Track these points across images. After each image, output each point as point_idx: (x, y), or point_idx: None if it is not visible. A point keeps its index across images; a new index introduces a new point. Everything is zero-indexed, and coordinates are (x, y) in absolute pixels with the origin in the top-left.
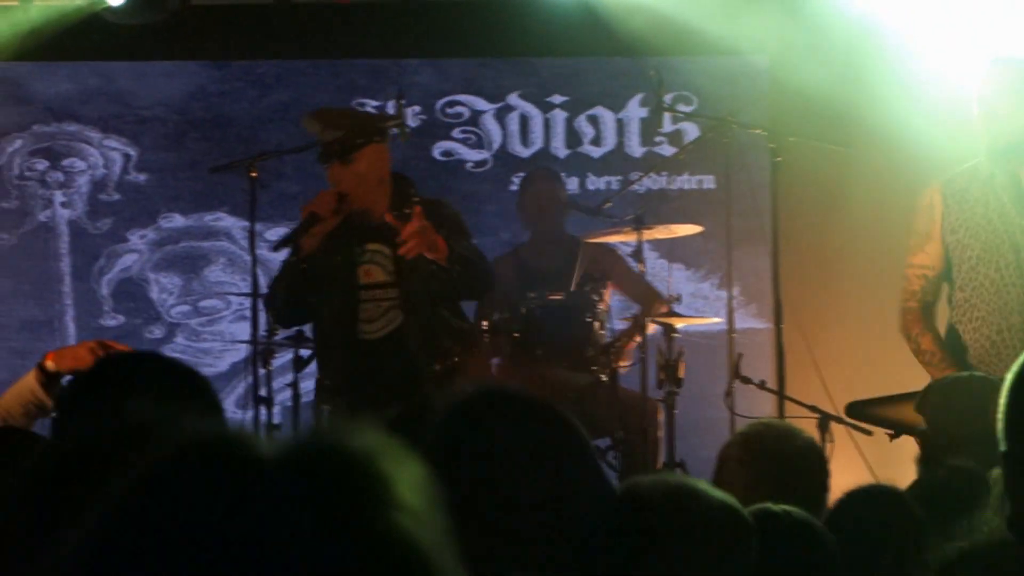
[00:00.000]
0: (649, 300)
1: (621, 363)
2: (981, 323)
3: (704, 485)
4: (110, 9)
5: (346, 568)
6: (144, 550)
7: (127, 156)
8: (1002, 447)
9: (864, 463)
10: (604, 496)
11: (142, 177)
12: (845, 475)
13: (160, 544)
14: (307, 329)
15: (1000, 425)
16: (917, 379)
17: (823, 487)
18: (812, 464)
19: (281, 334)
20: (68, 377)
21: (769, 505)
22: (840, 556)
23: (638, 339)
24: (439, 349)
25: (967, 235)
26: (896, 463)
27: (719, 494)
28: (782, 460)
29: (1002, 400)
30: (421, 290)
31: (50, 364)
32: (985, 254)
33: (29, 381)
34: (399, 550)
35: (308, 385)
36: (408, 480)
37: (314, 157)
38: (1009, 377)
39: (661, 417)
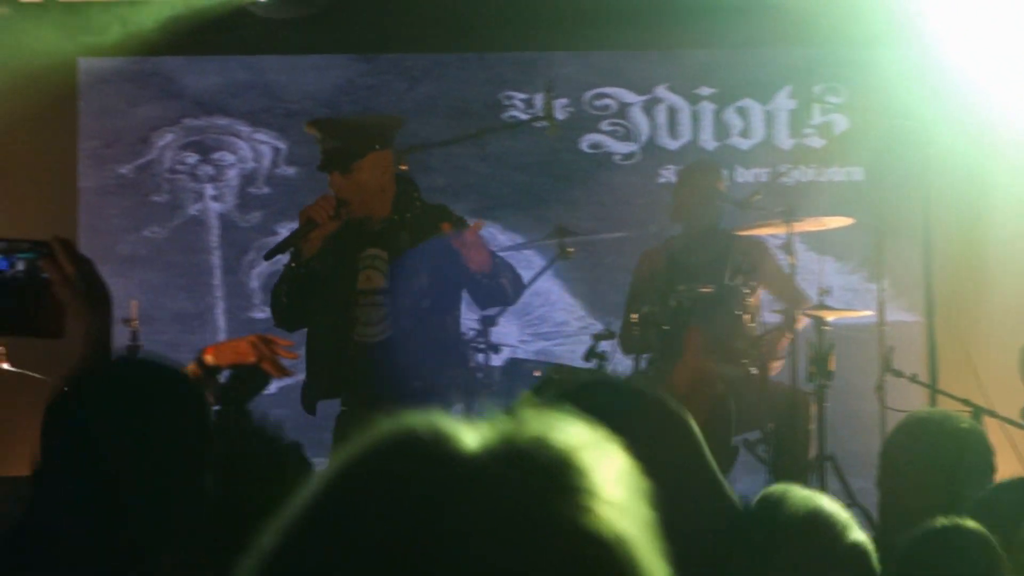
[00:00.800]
0: (795, 302)
1: (773, 363)
2: None
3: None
4: (257, 4)
5: (548, 563)
6: (345, 543)
7: (276, 150)
8: None
9: (1018, 459)
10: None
11: (291, 170)
12: (1003, 467)
13: (361, 538)
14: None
15: None
16: None
17: (990, 469)
18: (979, 446)
19: None
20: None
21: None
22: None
23: (789, 336)
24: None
25: None
26: None
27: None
28: (949, 446)
29: None
30: (418, 296)
31: (209, 358)
32: None
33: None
34: (602, 548)
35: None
36: (612, 472)
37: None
38: None
39: (812, 410)
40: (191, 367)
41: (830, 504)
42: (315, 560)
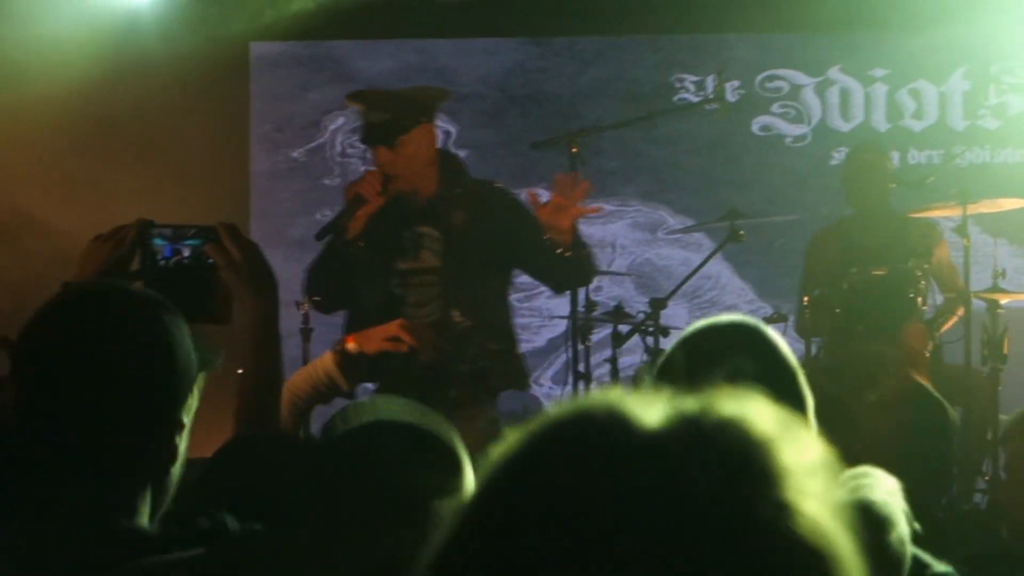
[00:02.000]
0: (954, 289)
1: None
2: None
3: None
4: None
5: (728, 559)
6: (523, 524)
7: (447, 133)
8: None
9: None
10: None
11: (462, 153)
12: None
13: (537, 518)
14: (628, 303)
15: None
16: None
17: None
18: None
19: (598, 311)
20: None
21: None
22: None
23: (956, 318)
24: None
25: None
26: None
27: None
28: None
29: None
30: (472, 276)
31: (351, 346)
32: None
33: (325, 362)
34: (799, 550)
35: (627, 360)
36: (812, 464)
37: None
38: None
39: (988, 392)
40: (330, 355)
41: (879, 499)
42: (498, 537)
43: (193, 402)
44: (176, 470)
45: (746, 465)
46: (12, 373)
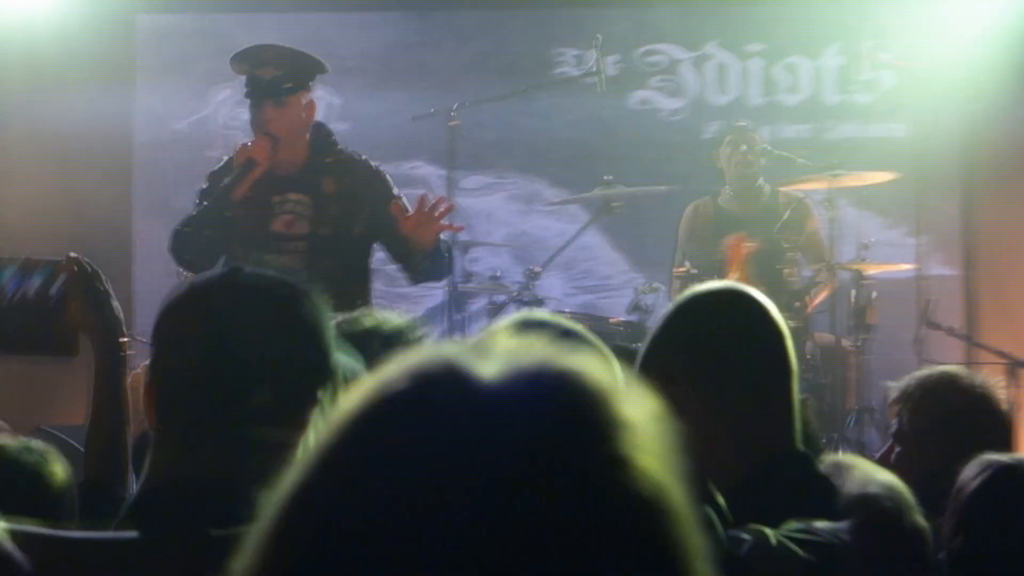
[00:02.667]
0: (819, 262)
1: (810, 308)
2: None
3: None
4: None
5: (562, 508)
6: (368, 471)
7: (331, 105)
8: None
9: None
10: None
11: (344, 126)
12: None
13: (385, 466)
14: (505, 273)
15: None
16: None
17: (1005, 440)
18: (985, 414)
19: (475, 281)
20: None
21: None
22: None
23: (828, 290)
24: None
25: None
26: None
27: None
28: (952, 411)
29: None
30: (339, 243)
31: None
32: None
33: None
34: (622, 496)
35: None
36: (643, 413)
37: (251, 94)
38: None
39: (853, 362)
40: None
41: (895, 484)
42: (341, 491)
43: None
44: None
45: (580, 417)
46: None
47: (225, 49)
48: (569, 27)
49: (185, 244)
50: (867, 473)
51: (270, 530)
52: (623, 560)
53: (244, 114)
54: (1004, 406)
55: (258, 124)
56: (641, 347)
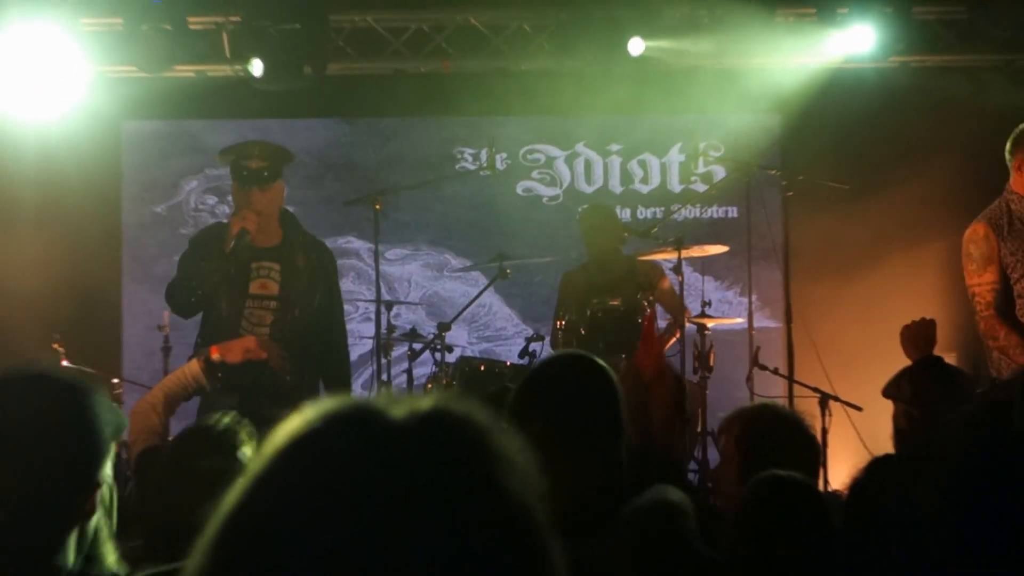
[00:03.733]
0: (679, 312)
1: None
2: None
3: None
4: (253, 78)
5: (475, 518)
6: (293, 505)
7: None
8: None
9: (855, 431)
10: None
11: (291, 208)
12: (840, 440)
13: (307, 499)
14: (421, 326)
15: None
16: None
17: (813, 459)
18: (798, 441)
19: (397, 332)
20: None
21: (776, 471)
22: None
23: (677, 336)
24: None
25: (1019, 256)
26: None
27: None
28: (769, 439)
29: None
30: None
31: (216, 356)
32: None
33: (192, 368)
34: (519, 504)
35: (420, 370)
36: (514, 447)
37: (239, 180)
38: None
39: (699, 395)
40: (196, 362)
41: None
42: (265, 521)
43: (108, 463)
44: (94, 520)
45: (476, 445)
46: None
47: (193, 148)
48: (468, 131)
49: (179, 295)
50: (659, 492)
51: (211, 541)
52: (498, 560)
53: (210, 200)
54: (811, 430)
55: (245, 204)
56: (512, 393)
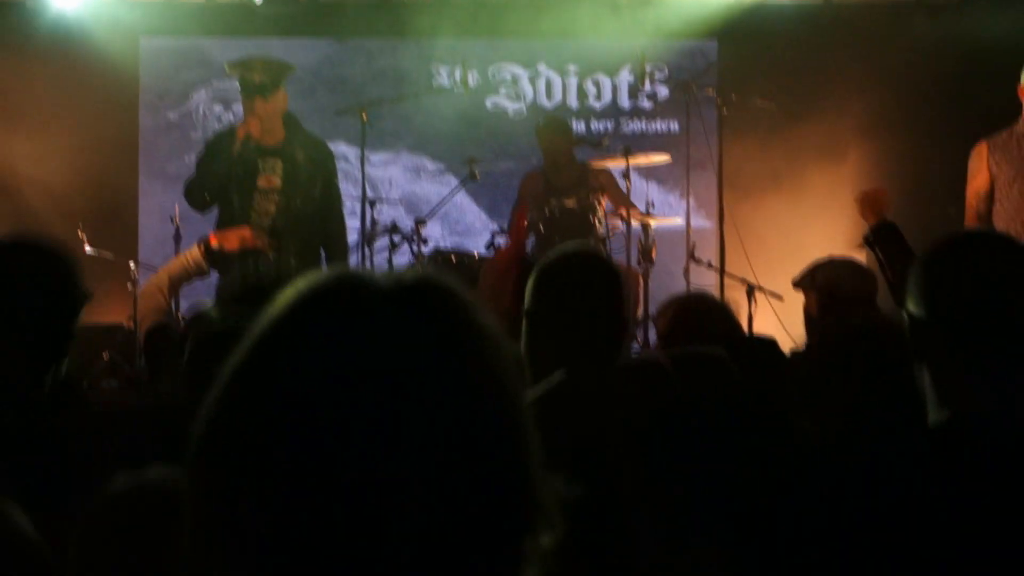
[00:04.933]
0: (627, 207)
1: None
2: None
3: None
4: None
5: (459, 387)
6: (281, 380)
7: None
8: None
9: (777, 318)
10: None
11: None
12: (764, 326)
13: (296, 373)
14: (400, 221)
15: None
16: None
17: (732, 331)
18: (715, 316)
19: (380, 226)
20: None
21: (690, 348)
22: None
23: (619, 226)
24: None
25: (1004, 166)
26: (799, 317)
27: None
28: (694, 315)
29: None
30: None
31: (215, 243)
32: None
33: (193, 253)
34: (500, 372)
35: (399, 260)
36: (491, 319)
37: (245, 91)
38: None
39: (640, 284)
40: (196, 248)
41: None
42: (264, 392)
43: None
44: (64, 363)
45: (458, 315)
46: None
47: (202, 62)
48: (444, 52)
49: (195, 193)
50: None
51: (219, 397)
52: (482, 428)
53: (217, 108)
54: (730, 310)
55: (250, 112)
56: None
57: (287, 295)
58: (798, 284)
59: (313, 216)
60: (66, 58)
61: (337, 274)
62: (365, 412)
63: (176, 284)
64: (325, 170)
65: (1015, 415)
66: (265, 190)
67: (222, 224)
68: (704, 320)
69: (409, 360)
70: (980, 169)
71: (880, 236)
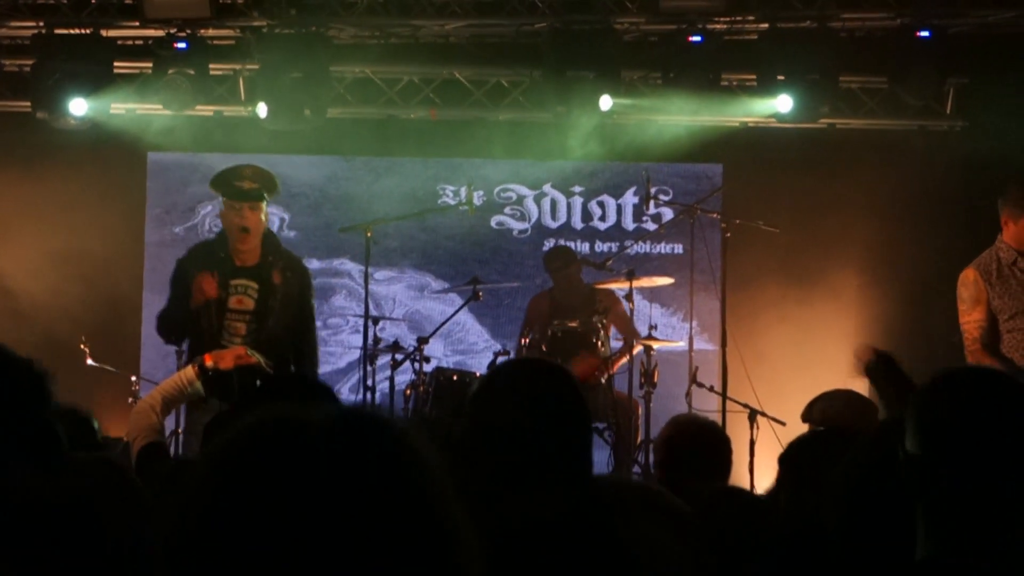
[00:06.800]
0: (631, 335)
1: (614, 370)
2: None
3: None
4: (258, 119)
5: (396, 519)
6: (230, 510)
7: (282, 219)
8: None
9: (779, 444)
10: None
11: (292, 233)
12: (766, 450)
13: (241, 504)
14: (403, 339)
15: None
16: (819, 387)
17: (725, 459)
18: (713, 441)
19: (382, 344)
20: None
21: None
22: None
23: (628, 357)
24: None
25: (1006, 299)
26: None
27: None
28: (692, 439)
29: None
30: (277, 321)
31: (209, 363)
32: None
33: (188, 374)
34: (437, 503)
35: (401, 378)
36: (429, 447)
37: (230, 198)
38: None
39: (640, 410)
40: (191, 368)
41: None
42: (204, 531)
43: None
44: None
45: (400, 443)
46: None
47: (208, 177)
48: (450, 171)
49: (165, 326)
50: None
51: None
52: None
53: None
54: (722, 433)
55: (236, 221)
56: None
57: (224, 439)
58: (803, 418)
59: (283, 337)
60: (74, 171)
61: (269, 415)
62: (302, 545)
63: (169, 404)
64: (301, 292)
65: (992, 562)
66: (237, 311)
67: (193, 347)
68: (696, 448)
69: (343, 495)
70: (978, 300)
71: (878, 366)
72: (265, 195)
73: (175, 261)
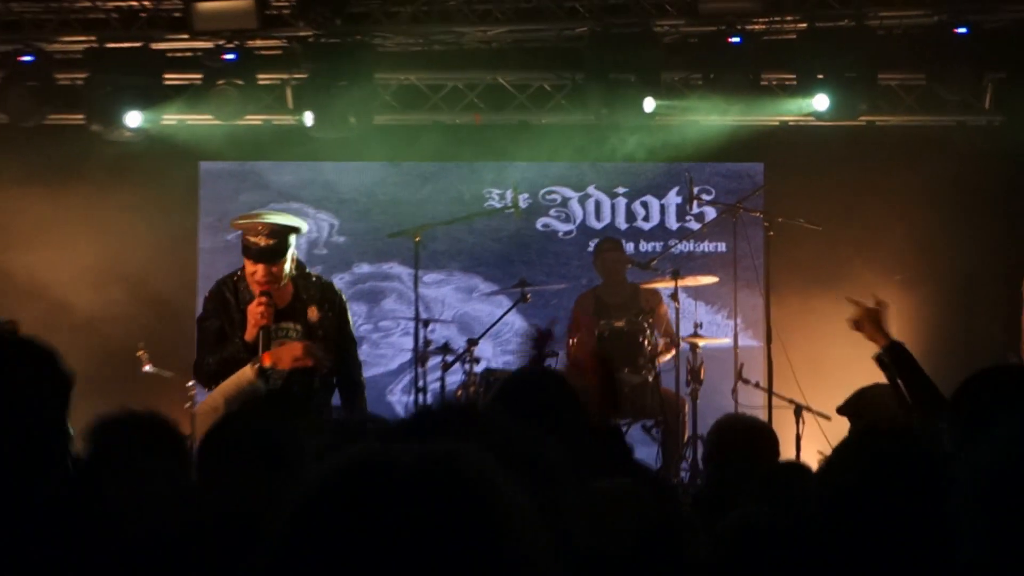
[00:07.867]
0: (670, 335)
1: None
2: None
3: None
4: (305, 127)
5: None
6: (318, 551)
7: (332, 225)
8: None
9: (825, 438)
10: None
11: (342, 239)
12: (812, 444)
13: (328, 546)
14: (452, 341)
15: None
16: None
17: (773, 452)
18: (760, 437)
19: (432, 346)
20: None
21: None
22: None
23: (673, 352)
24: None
25: None
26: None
27: None
28: (739, 435)
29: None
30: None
31: (267, 362)
32: None
33: (247, 374)
34: (525, 552)
35: (452, 379)
36: (517, 494)
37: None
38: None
39: (687, 406)
40: (251, 367)
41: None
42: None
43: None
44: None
45: (487, 490)
46: None
47: (259, 185)
48: (495, 174)
49: (203, 372)
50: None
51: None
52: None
53: None
54: (771, 433)
55: (257, 276)
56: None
57: (315, 473)
58: (842, 411)
59: (330, 363)
60: (128, 182)
61: (357, 456)
62: None
63: (231, 404)
64: (339, 320)
65: None
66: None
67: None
68: (741, 443)
69: (432, 541)
70: None
71: (893, 357)
72: (282, 252)
73: (203, 304)
